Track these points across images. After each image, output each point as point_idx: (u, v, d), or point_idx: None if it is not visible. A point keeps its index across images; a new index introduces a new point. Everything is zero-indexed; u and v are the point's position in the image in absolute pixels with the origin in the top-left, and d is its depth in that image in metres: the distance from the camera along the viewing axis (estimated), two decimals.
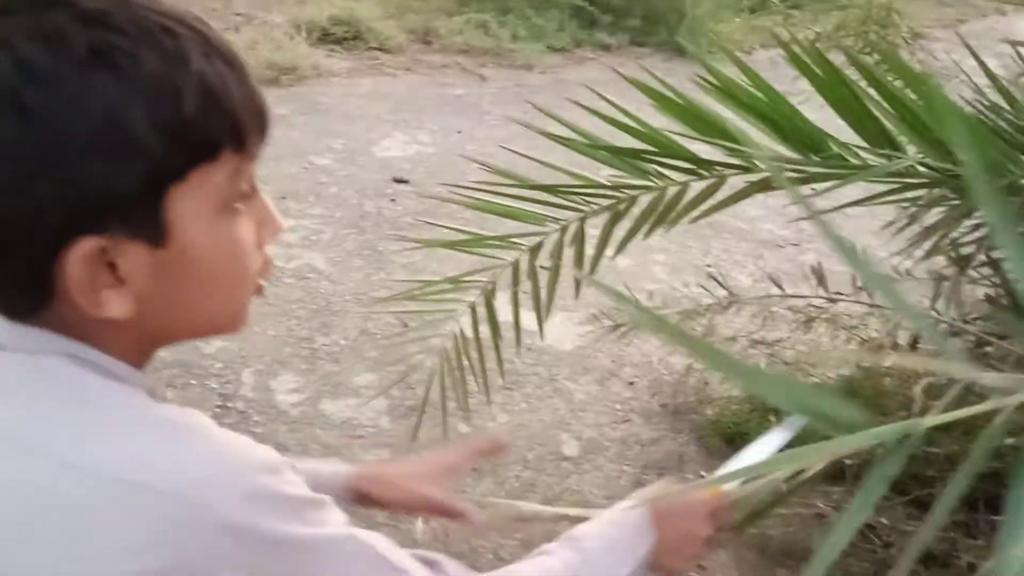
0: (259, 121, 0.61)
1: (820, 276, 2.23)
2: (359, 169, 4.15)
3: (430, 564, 0.75)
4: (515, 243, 1.85)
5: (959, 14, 8.11)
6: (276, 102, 4.89)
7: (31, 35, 0.53)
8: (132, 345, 0.62)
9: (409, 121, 4.85)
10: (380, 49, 5.89)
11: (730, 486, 0.97)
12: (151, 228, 0.57)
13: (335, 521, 0.64)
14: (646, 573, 0.91)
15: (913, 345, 2.45)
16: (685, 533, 0.93)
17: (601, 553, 0.89)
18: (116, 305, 0.58)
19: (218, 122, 0.57)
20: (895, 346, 2.52)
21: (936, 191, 1.45)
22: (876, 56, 2.33)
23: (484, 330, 1.98)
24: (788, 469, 0.98)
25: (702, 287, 2.62)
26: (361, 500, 0.99)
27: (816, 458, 0.85)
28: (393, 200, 3.89)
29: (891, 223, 1.87)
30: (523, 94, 5.40)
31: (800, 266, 2.85)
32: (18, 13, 0.54)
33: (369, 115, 4.85)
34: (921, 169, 1.36)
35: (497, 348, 2.05)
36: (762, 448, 1.03)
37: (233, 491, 0.56)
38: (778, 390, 0.54)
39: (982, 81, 1.50)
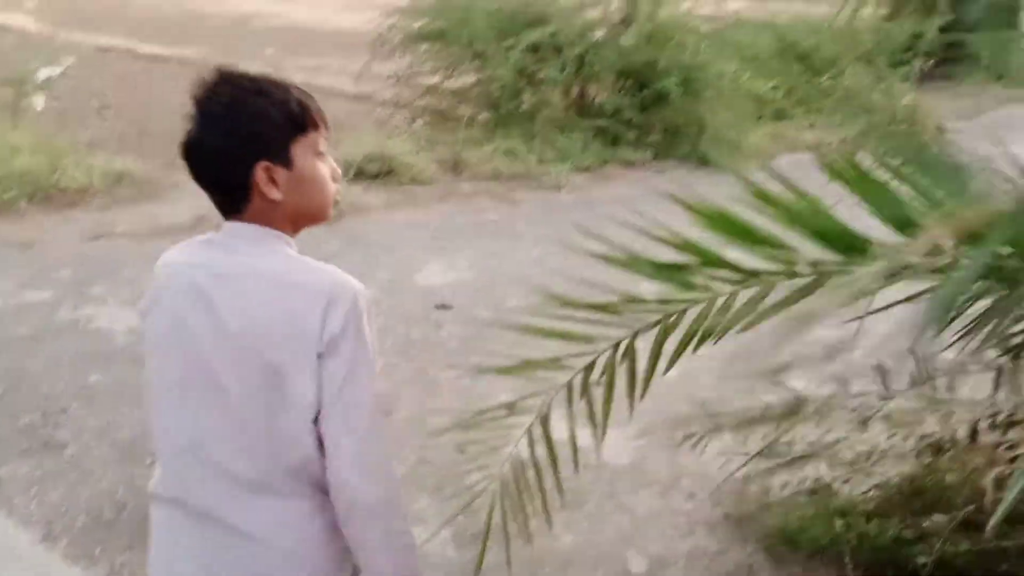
0: (315, 119, 1.34)
1: (884, 373, 2.23)
2: (404, 298, 4.25)
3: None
4: (566, 365, 1.87)
5: (977, 105, 8.21)
6: (325, 237, 5.05)
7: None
8: (286, 223, 1.35)
9: (446, 248, 4.97)
10: (413, 182, 6.10)
11: None
12: (287, 160, 1.30)
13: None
14: None
15: (972, 437, 2.41)
16: None
17: None
18: (276, 193, 1.30)
19: (301, 117, 1.32)
20: (954, 440, 2.47)
21: (983, 283, 1.47)
22: (902, 156, 2.38)
23: (541, 451, 1.99)
24: None
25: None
26: None
27: None
28: (439, 326, 3.95)
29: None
30: (554, 214, 5.53)
31: (850, 365, 2.84)
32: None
33: (409, 245, 4.99)
34: (965, 263, 1.39)
35: (555, 469, 2.05)
36: None
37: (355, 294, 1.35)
38: None
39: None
